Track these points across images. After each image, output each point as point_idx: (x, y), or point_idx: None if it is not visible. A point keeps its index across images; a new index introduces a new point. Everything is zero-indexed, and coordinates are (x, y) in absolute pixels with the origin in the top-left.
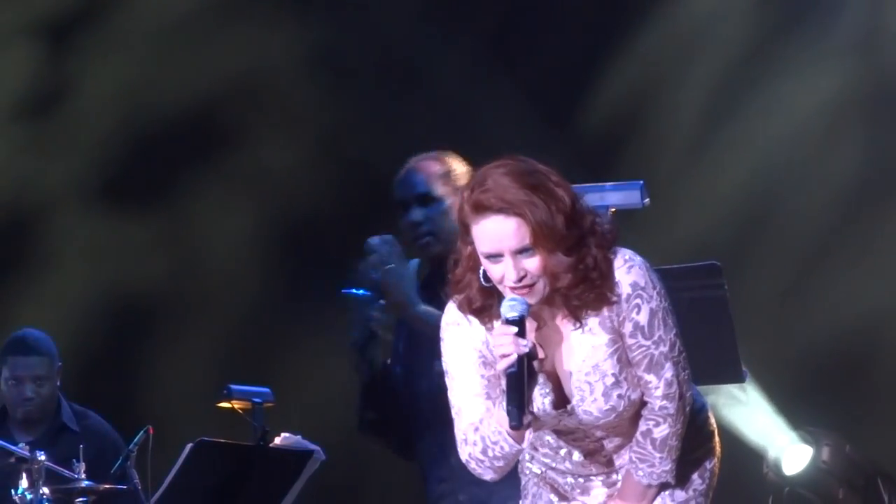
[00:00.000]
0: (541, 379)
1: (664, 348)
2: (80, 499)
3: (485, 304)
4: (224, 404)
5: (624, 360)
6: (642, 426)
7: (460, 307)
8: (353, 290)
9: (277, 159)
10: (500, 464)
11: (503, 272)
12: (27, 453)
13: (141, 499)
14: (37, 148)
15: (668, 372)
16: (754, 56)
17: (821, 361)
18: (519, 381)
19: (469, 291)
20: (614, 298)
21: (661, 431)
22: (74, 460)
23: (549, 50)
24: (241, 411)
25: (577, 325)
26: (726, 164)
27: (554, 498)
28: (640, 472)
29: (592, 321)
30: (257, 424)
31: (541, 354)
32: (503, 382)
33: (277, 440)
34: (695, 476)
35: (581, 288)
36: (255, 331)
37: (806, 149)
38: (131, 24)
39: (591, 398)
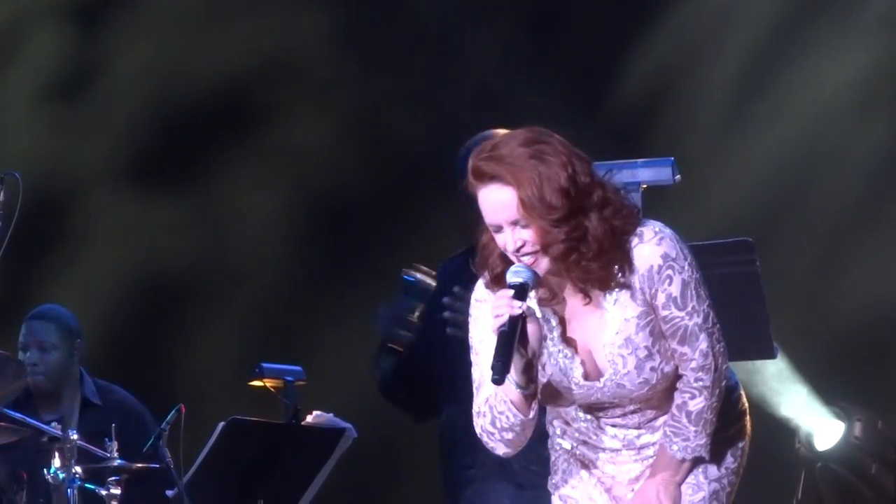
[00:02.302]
0: (570, 353)
1: (698, 319)
2: (113, 477)
3: (502, 273)
4: (256, 383)
5: (657, 333)
6: (678, 399)
7: (484, 278)
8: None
9: (308, 137)
10: (509, 436)
11: (504, 242)
12: (59, 433)
13: (173, 477)
14: (68, 129)
15: (703, 343)
16: (785, 32)
17: (853, 337)
18: (508, 340)
19: (491, 258)
20: (619, 275)
21: (696, 404)
22: (107, 439)
23: (582, 26)
24: (273, 390)
25: (588, 299)
26: (757, 141)
27: (584, 474)
28: (675, 447)
29: (623, 294)
30: (289, 403)
31: (536, 318)
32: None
33: (309, 418)
34: (728, 454)
35: (574, 260)
36: (286, 309)
37: (837, 125)
38: (161, 3)
39: (624, 371)
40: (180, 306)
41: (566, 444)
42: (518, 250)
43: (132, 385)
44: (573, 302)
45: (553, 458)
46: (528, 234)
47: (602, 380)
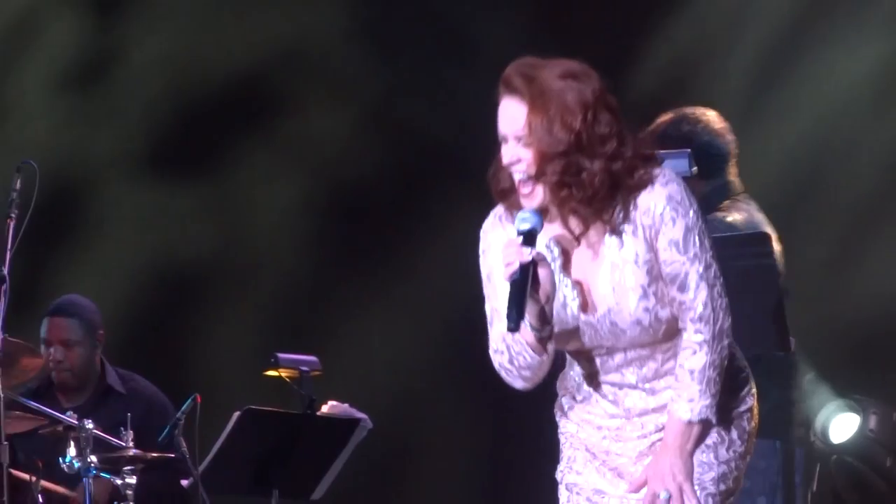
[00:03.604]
0: (569, 282)
1: (699, 267)
2: (128, 466)
3: (510, 187)
4: (271, 373)
5: (655, 275)
6: (679, 359)
7: (494, 193)
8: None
9: (325, 127)
10: (527, 373)
11: (505, 158)
12: (75, 422)
13: (189, 467)
14: (84, 118)
15: (703, 292)
16: (800, 25)
17: (868, 329)
18: (521, 288)
19: (500, 172)
20: (619, 217)
21: (697, 360)
22: (122, 428)
23: (598, 17)
24: (288, 380)
25: (587, 236)
26: (773, 133)
27: (588, 456)
28: (681, 408)
29: (624, 234)
30: (305, 393)
31: (547, 264)
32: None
33: (325, 408)
34: (736, 436)
35: (564, 196)
36: (302, 299)
37: (854, 116)
38: None
39: (618, 308)
40: (196, 296)
41: (571, 427)
42: (510, 165)
43: (148, 374)
44: (566, 235)
45: (561, 445)
46: (525, 155)
47: (597, 315)
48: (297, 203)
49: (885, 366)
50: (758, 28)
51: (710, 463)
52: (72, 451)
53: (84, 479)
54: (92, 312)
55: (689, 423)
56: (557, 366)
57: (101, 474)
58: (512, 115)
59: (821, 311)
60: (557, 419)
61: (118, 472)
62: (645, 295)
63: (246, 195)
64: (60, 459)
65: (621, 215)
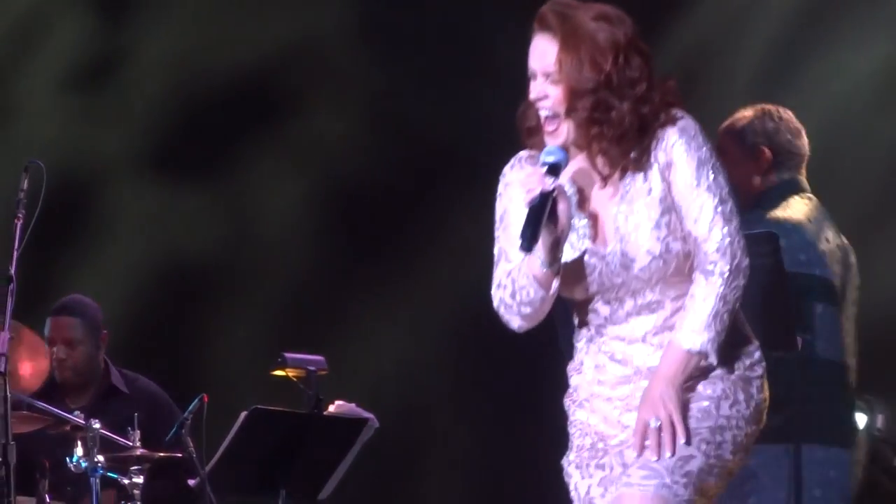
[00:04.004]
0: (582, 216)
1: (714, 200)
2: (136, 466)
3: (537, 126)
4: (278, 372)
5: (668, 207)
6: (691, 289)
7: (521, 131)
8: None
9: (331, 128)
10: (527, 310)
11: (533, 93)
12: (82, 421)
13: (196, 466)
14: (91, 117)
15: (718, 226)
16: (807, 23)
17: (876, 329)
18: (538, 213)
19: (528, 110)
20: (643, 158)
21: (709, 290)
22: (129, 427)
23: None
24: (295, 379)
25: (606, 173)
26: None
27: (599, 443)
28: (683, 336)
29: (644, 173)
30: (311, 392)
31: (568, 198)
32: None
33: (332, 408)
34: (741, 398)
35: (595, 134)
36: (309, 299)
37: (859, 116)
38: None
39: (630, 238)
40: (203, 296)
41: (581, 415)
42: (537, 101)
43: (155, 374)
44: (591, 174)
45: (570, 434)
46: (553, 91)
47: (608, 247)
48: (303, 203)
49: (893, 366)
50: (763, 28)
51: (709, 411)
52: (79, 450)
53: (91, 479)
54: (95, 312)
55: (689, 352)
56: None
57: (108, 474)
58: (542, 51)
59: None
60: (567, 409)
61: (125, 473)
62: (657, 226)
63: (252, 195)
64: (67, 459)
65: (644, 156)
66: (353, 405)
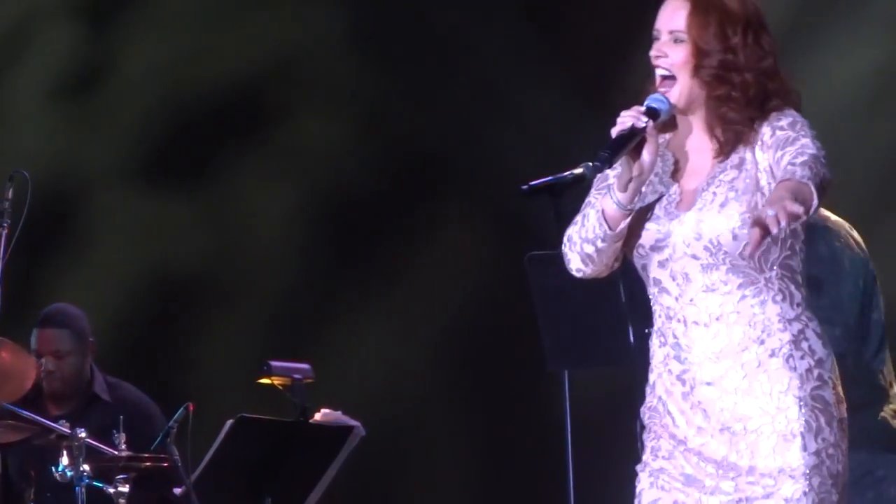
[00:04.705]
0: (671, 182)
1: (807, 138)
2: (121, 475)
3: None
4: (264, 381)
5: (753, 185)
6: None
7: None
8: None
9: (318, 136)
10: (589, 249)
11: (654, 52)
12: (67, 430)
13: (181, 475)
14: (78, 127)
15: (810, 142)
16: (794, 29)
17: None
18: (623, 140)
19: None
20: (741, 129)
21: (804, 155)
22: (115, 431)
23: (589, 25)
24: (281, 387)
25: (710, 147)
26: None
27: (672, 444)
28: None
29: (742, 146)
30: (297, 400)
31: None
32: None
33: (318, 416)
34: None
35: (721, 95)
36: (295, 307)
37: (845, 122)
38: (172, 1)
39: (710, 206)
40: (189, 304)
41: (655, 401)
42: (656, 59)
43: (141, 382)
44: (694, 140)
45: (644, 438)
46: (675, 52)
47: (687, 213)
48: (289, 212)
49: None
50: None
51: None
52: (64, 459)
53: (76, 489)
54: (81, 321)
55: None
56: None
57: (94, 483)
58: (672, 10)
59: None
60: (644, 416)
61: (111, 482)
62: (737, 197)
63: (239, 204)
64: (53, 468)
65: (751, 133)
66: (339, 413)
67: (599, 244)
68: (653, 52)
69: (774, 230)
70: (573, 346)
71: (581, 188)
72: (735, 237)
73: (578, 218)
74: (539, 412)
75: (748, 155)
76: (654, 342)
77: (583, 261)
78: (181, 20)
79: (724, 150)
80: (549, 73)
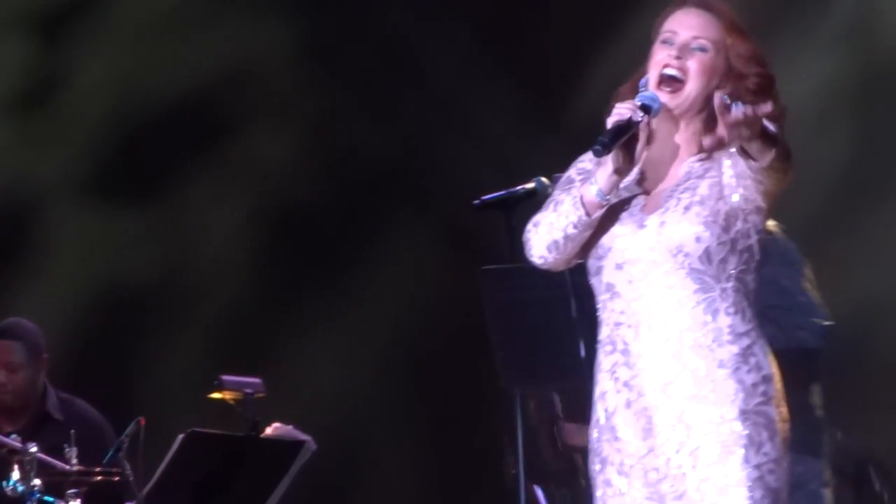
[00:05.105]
0: (639, 193)
1: None
2: (72, 490)
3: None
4: (215, 395)
5: (718, 191)
6: None
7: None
8: None
9: (269, 150)
10: (557, 235)
11: (665, 53)
12: (19, 445)
13: (133, 489)
14: (29, 140)
15: None
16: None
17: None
18: (621, 129)
19: (623, 96)
20: (711, 145)
21: None
22: (66, 445)
23: (543, 37)
24: (232, 402)
25: (708, 156)
26: None
27: (617, 469)
28: None
29: (715, 161)
30: (248, 415)
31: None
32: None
33: (269, 430)
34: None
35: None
36: (246, 322)
37: (796, 137)
38: (122, 15)
39: (674, 210)
40: (140, 318)
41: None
42: (673, 59)
43: (93, 397)
44: (662, 153)
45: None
46: (696, 58)
47: (650, 216)
48: (242, 226)
49: (830, 387)
50: None
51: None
52: (16, 474)
53: (27, 503)
54: (36, 335)
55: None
56: None
57: (45, 498)
58: (704, 23)
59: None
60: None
61: (62, 496)
62: (702, 202)
63: (191, 218)
64: (4, 483)
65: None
66: (290, 427)
67: (570, 230)
68: (672, 52)
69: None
70: (525, 361)
71: (533, 203)
72: (698, 239)
73: (548, 205)
74: (487, 425)
75: (715, 164)
76: (601, 351)
77: (547, 247)
78: (132, 34)
79: (688, 161)
80: (502, 87)
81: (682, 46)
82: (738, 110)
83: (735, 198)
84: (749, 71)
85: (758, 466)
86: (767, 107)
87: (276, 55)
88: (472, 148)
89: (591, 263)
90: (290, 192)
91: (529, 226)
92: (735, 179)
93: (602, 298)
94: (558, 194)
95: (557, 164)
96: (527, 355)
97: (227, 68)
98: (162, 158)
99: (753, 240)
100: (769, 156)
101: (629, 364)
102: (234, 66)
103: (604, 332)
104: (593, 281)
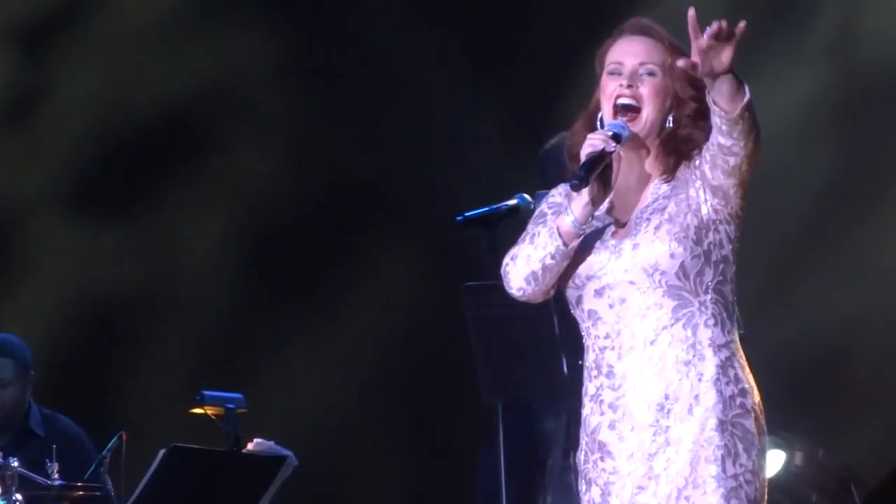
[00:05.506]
0: (612, 224)
1: None
2: None
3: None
4: (197, 410)
5: (685, 205)
6: None
7: (569, 156)
8: None
9: (252, 164)
10: (535, 266)
11: (616, 84)
12: (0, 460)
13: None
14: (11, 154)
15: None
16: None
17: (794, 366)
18: (596, 161)
19: (577, 136)
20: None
21: None
22: (47, 461)
23: (525, 54)
24: (214, 417)
25: (669, 178)
26: None
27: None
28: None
29: (676, 182)
30: (230, 430)
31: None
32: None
33: (250, 446)
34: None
35: (682, 134)
36: (228, 336)
37: (778, 153)
38: (105, 29)
39: (645, 231)
40: (122, 333)
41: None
42: (625, 89)
43: (74, 411)
44: (630, 179)
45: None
46: (646, 83)
47: (624, 241)
48: (223, 240)
49: (811, 403)
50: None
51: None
52: None
53: None
54: (24, 352)
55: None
56: None
57: None
58: (648, 48)
59: (747, 347)
60: (578, 460)
61: None
62: (671, 220)
63: (173, 232)
64: None
65: (684, 170)
66: (271, 443)
67: (548, 261)
68: (623, 82)
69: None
70: (507, 377)
71: (515, 220)
72: (672, 255)
73: (524, 238)
74: (470, 439)
75: (681, 181)
76: (587, 377)
77: (525, 279)
78: (114, 48)
79: (670, 178)
80: (484, 105)
81: (631, 74)
82: (711, 29)
83: (704, 210)
84: (686, 95)
85: (734, 477)
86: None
87: (258, 70)
88: (454, 164)
89: (571, 294)
90: (272, 207)
91: (507, 259)
92: (703, 191)
93: (585, 326)
94: (532, 228)
95: (540, 181)
96: (509, 370)
97: (209, 82)
98: (143, 172)
99: (727, 250)
100: (742, 100)
101: (613, 386)
102: (216, 80)
103: (589, 358)
104: (575, 311)
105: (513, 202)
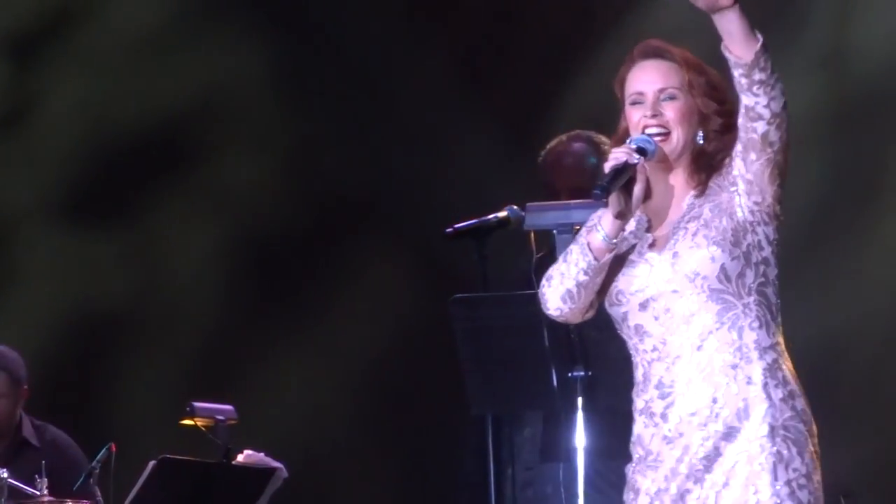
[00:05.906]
0: (651, 238)
1: None
2: None
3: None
4: (187, 422)
5: (720, 209)
6: None
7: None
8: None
9: (241, 176)
10: (570, 284)
11: (641, 114)
12: None
13: None
14: (1, 163)
15: None
16: (719, 72)
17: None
18: (619, 173)
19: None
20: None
21: None
22: (37, 476)
23: (515, 67)
24: (204, 429)
25: (700, 194)
26: None
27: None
28: None
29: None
30: (220, 442)
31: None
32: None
33: (241, 457)
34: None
35: (711, 148)
36: (218, 348)
37: None
38: (95, 40)
39: (683, 239)
40: (112, 344)
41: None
42: (651, 118)
43: (63, 422)
44: (664, 198)
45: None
46: (670, 107)
47: (663, 252)
48: (213, 251)
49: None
50: None
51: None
52: None
53: None
54: (18, 364)
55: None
56: None
57: None
58: (665, 72)
59: None
60: (628, 471)
61: None
62: (706, 225)
63: (162, 243)
64: None
65: (718, 183)
66: (262, 454)
67: (582, 277)
68: (644, 115)
69: None
70: (497, 389)
71: (505, 232)
72: (712, 259)
73: (558, 260)
74: (461, 454)
75: (712, 189)
76: (636, 394)
77: (562, 298)
78: (104, 58)
79: (703, 190)
80: (475, 116)
81: (654, 103)
82: None
83: (739, 213)
84: (710, 110)
85: (788, 483)
86: None
87: (249, 82)
88: (444, 176)
89: (616, 312)
90: (263, 218)
91: (543, 281)
92: (739, 194)
93: (633, 343)
94: (564, 253)
95: (530, 192)
96: (498, 382)
97: (199, 95)
98: (134, 183)
99: (767, 252)
100: (755, 44)
101: (662, 395)
102: (207, 91)
103: (638, 374)
104: (622, 330)
105: (503, 214)
